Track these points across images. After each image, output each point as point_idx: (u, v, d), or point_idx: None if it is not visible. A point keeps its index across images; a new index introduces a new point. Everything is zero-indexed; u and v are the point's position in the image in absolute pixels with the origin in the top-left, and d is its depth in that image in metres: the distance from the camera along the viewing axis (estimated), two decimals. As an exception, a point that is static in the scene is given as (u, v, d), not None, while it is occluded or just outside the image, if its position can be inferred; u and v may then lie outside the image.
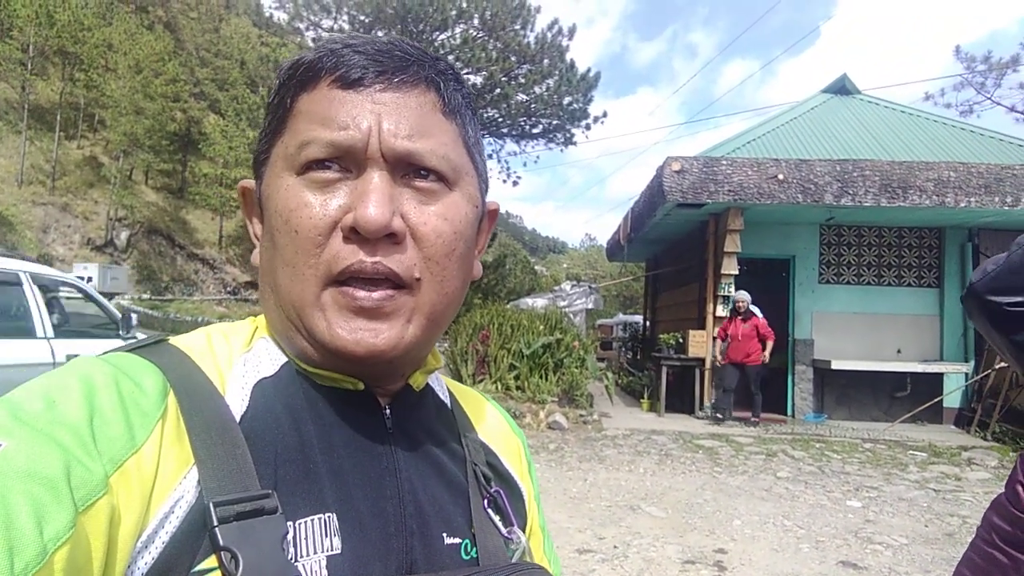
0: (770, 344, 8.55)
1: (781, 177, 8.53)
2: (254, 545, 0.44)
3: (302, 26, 22.16)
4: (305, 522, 0.49)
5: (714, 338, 9.25)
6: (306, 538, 0.48)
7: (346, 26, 19.87)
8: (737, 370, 8.69)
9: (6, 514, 0.36)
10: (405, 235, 0.53)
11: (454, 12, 20.18)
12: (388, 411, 0.59)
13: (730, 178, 8.62)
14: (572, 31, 22.21)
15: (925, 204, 8.39)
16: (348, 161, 0.53)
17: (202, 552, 0.44)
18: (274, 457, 0.51)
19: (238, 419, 0.51)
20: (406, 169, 0.54)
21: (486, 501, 0.62)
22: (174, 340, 0.57)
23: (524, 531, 0.66)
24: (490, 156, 22.69)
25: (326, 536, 0.49)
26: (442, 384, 0.71)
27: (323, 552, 0.48)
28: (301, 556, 0.47)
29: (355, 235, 0.52)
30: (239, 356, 0.57)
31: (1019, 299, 1.22)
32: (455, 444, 0.65)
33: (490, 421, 0.73)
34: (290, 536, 0.47)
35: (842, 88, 12.56)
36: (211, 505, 0.44)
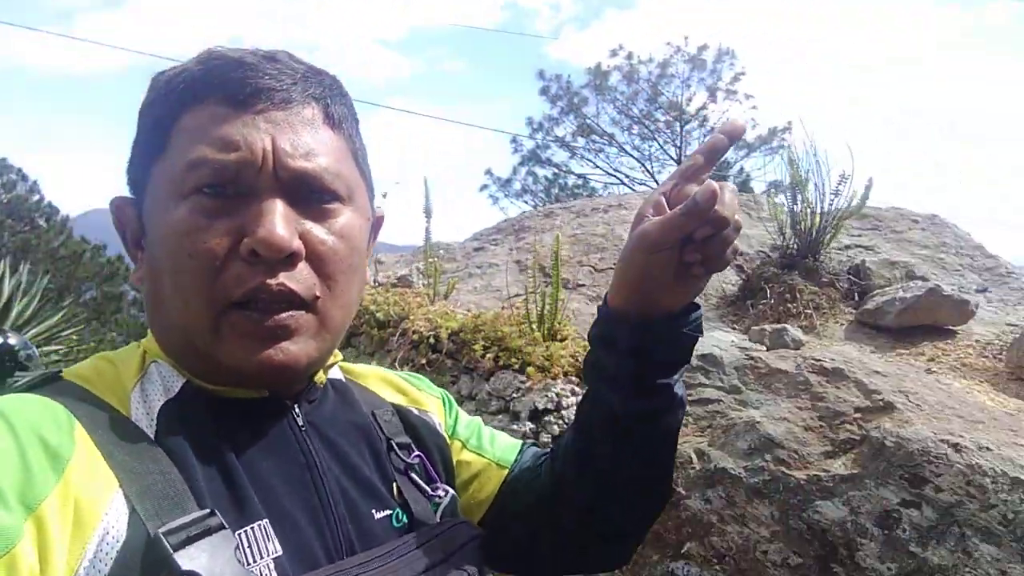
0: None
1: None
2: (213, 563, 0.44)
3: None
4: (246, 531, 0.50)
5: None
6: (250, 545, 0.50)
7: None
8: None
9: None
10: (303, 256, 0.53)
11: None
12: (296, 410, 0.60)
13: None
14: None
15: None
16: (241, 184, 0.51)
17: None
18: (196, 475, 0.50)
19: None
20: (302, 190, 0.53)
21: (406, 468, 0.65)
22: (67, 374, 0.55)
23: (462, 472, 0.73)
24: None
25: (268, 540, 0.51)
26: (339, 372, 0.71)
27: (269, 556, 0.50)
28: (251, 563, 0.49)
29: (253, 258, 0.51)
30: (133, 384, 0.55)
31: None
32: (367, 424, 0.66)
33: (390, 389, 0.75)
34: (243, 547, 0.49)
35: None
36: (161, 535, 0.44)
